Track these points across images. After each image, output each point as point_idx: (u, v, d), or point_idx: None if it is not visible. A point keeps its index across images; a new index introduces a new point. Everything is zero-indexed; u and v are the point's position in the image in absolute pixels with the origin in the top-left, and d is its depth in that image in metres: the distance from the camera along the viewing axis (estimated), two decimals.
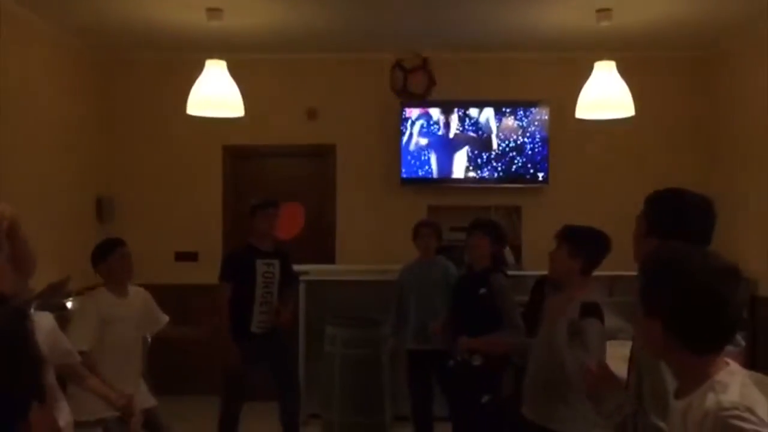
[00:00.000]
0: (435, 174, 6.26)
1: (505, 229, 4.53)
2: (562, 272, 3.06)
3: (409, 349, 4.80)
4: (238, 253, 4.72)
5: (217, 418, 4.62)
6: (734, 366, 1.51)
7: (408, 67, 4.89)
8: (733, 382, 1.45)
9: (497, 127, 6.25)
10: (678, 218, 2.04)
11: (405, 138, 6.22)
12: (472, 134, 6.26)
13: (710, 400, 1.42)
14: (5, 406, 1.01)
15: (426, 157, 6.25)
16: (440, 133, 6.26)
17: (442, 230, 4.98)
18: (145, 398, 3.74)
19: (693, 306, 1.47)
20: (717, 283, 1.46)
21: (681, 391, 1.54)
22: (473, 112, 6.26)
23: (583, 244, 3.01)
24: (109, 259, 3.72)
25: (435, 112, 6.26)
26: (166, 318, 3.93)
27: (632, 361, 2.12)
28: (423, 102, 6.22)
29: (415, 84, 4.92)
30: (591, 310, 2.87)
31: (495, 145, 6.25)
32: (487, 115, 6.26)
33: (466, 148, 6.26)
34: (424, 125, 6.25)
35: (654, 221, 2.11)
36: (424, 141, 6.25)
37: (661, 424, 1.90)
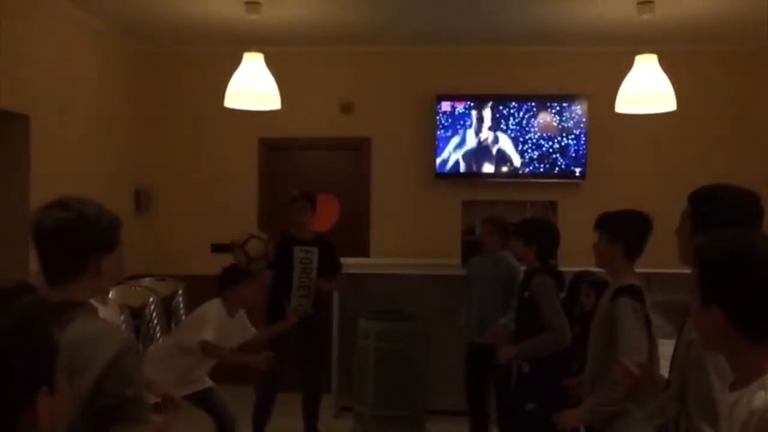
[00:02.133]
0: (470, 169, 6.22)
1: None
2: (604, 261, 2.94)
3: (468, 342, 4.81)
4: (277, 242, 4.92)
5: (253, 406, 4.78)
6: None
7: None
8: None
9: (534, 121, 6.19)
10: (725, 215, 1.97)
11: (440, 132, 6.20)
12: (508, 128, 6.21)
13: (759, 398, 1.37)
14: (11, 389, 1.01)
15: (462, 152, 6.21)
16: (476, 127, 6.22)
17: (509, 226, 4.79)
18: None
19: (757, 292, 1.42)
20: None
21: (735, 383, 1.49)
22: (510, 106, 6.21)
23: (619, 227, 2.90)
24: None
25: (471, 107, 6.22)
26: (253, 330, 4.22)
27: (674, 360, 2.06)
28: (458, 97, 6.19)
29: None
30: (622, 292, 2.76)
31: (531, 140, 6.19)
32: (524, 109, 6.20)
33: (501, 143, 6.21)
34: (460, 120, 6.22)
35: (700, 218, 2.05)
36: (459, 135, 6.22)
37: (705, 428, 1.85)
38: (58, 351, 1.10)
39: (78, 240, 1.69)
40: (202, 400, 4.01)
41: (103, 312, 2.26)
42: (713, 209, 2.04)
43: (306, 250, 4.83)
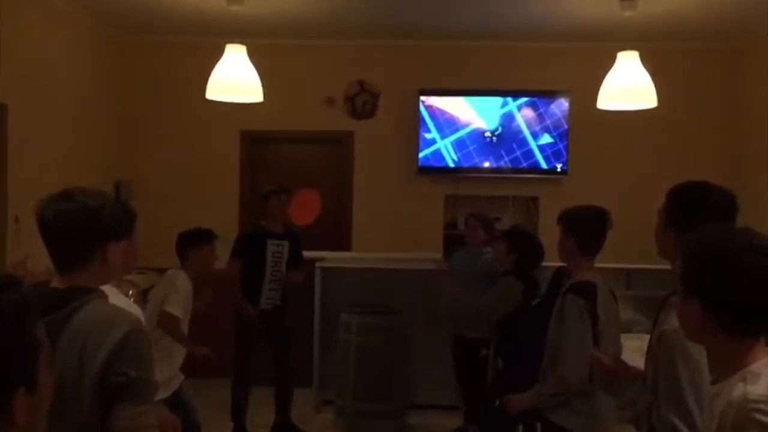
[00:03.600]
0: (452, 163, 6.23)
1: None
2: (562, 256, 3.00)
3: (455, 335, 4.87)
4: (249, 234, 5.01)
5: (230, 399, 4.83)
6: None
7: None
8: (766, 374, 1.40)
9: (516, 116, 6.21)
10: (699, 212, 1.99)
11: (423, 126, 6.21)
12: (490, 124, 6.22)
13: (738, 389, 1.39)
14: None
15: (444, 147, 6.22)
16: (458, 122, 6.22)
17: (492, 222, 5.02)
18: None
19: (735, 286, 1.43)
20: (762, 262, 1.42)
21: (716, 378, 1.51)
22: (492, 101, 6.22)
23: (573, 222, 2.93)
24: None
25: (454, 102, 6.23)
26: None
27: (648, 353, 2.09)
28: (441, 92, 6.20)
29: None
30: (572, 288, 2.82)
31: (513, 135, 6.21)
32: (507, 104, 6.22)
33: (483, 137, 6.22)
34: (443, 114, 6.22)
35: (674, 214, 2.08)
36: (442, 130, 6.22)
37: (674, 419, 1.88)
38: (39, 348, 1.08)
39: (80, 230, 1.73)
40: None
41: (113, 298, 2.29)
42: (682, 206, 2.06)
43: (278, 244, 4.88)
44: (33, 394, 1.05)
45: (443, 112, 6.22)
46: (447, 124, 6.22)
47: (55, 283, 1.75)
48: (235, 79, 4.84)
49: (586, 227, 2.92)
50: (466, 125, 6.22)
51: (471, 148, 6.21)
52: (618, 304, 2.98)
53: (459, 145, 6.22)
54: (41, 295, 1.71)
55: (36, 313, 1.10)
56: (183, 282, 3.81)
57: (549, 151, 6.19)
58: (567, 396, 2.79)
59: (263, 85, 4.96)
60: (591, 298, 2.79)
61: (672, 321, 1.94)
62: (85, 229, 1.73)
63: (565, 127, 6.16)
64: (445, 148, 6.22)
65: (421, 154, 6.21)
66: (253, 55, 4.92)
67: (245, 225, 6.00)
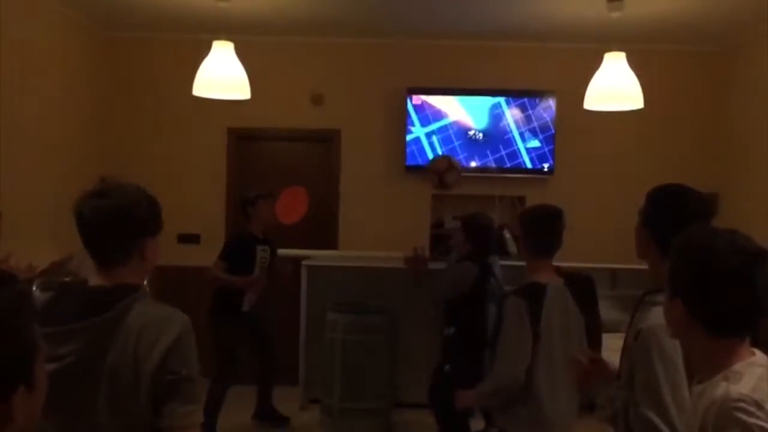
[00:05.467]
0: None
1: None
2: (521, 256, 3.06)
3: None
4: (240, 239, 5.05)
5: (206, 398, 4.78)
6: (760, 357, 1.47)
7: (441, 169, 5.43)
8: (749, 373, 1.42)
9: (503, 116, 6.22)
10: (674, 215, 2.03)
11: (410, 125, 6.21)
12: (477, 123, 6.23)
13: (721, 389, 1.40)
14: None
15: (431, 146, 6.23)
16: (446, 121, 6.23)
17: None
18: None
19: (715, 286, 1.44)
20: (742, 264, 1.43)
21: (700, 377, 1.52)
22: (479, 101, 6.23)
23: (523, 223, 2.99)
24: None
25: (441, 100, 6.24)
26: None
27: (624, 351, 2.11)
28: (428, 90, 6.20)
29: (450, 179, 5.45)
30: (517, 290, 2.88)
31: (500, 135, 6.22)
32: (493, 104, 6.23)
33: (470, 137, 6.23)
34: (430, 113, 6.23)
35: (650, 216, 2.11)
36: (429, 129, 6.23)
37: (652, 416, 1.90)
38: (36, 345, 1.07)
39: (118, 227, 1.74)
40: None
41: None
42: (658, 209, 2.09)
43: (263, 249, 5.00)
44: (31, 393, 1.05)
45: (431, 111, 6.22)
46: (434, 122, 6.22)
47: (96, 279, 1.75)
48: (222, 76, 4.81)
49: (536, 228, 2.94)
50: (453, 124, 6.23)
51: (457, 146, 6.22)
52: (575, 305, 2.94)
53: (445, 143, 6.22)
54: (89, 293, 1.73)
55: (32, 309, 1.10)
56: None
57: (536, 151, 6.21)
58: (506, 398, 2.80)
59: (250, 83, 4.95)
60: (534, 300, 2.79)
61: (648, 319, 1.96)
62: (123, 225, 1.74)
63: (552, 126, 6.18)
64: (432, 148, 6.22)
65: (408, 153, 6.21)
66: (240, 52, 4.90)
67: (233, 230, 5.93)
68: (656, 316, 1.83)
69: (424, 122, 6.22)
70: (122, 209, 1.74)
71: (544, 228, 2.92)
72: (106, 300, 1.66)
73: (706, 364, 1.50)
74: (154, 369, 1.61)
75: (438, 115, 6.23)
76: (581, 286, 3.21)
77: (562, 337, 2.83)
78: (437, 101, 6.23)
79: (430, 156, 6.20)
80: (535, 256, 2.92)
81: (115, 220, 1.73)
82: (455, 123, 6.23)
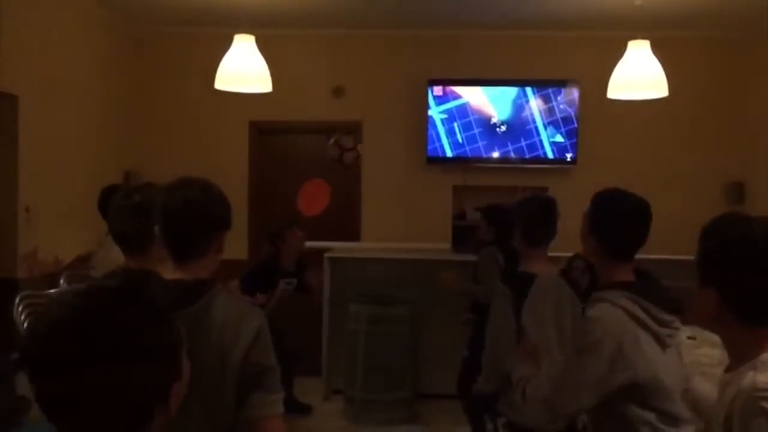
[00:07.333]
0: (461, 154, 6.21)
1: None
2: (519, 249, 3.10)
3: None
4: (265, 270, 4.96)
5: None
6: None
7: (346, 146, 5.80)
8: None
9: (526, 106, 6.18)
10: (613, 220, 2.15)
11: (431, 116, 6.19)
12: (500, 113, 6.20)
13: (748, 378, 1.39)
14: (145, 395, 1.02)
15: (453, 137, 6.21)
16: (468, 112, 6.20)
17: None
18: None
19: (751, 277, 1.43)
20: None
21: (729, 366, 1.51)
22: (502, 91, 6.19)
23: (517, 212, 3.03)
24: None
25: (463, 91, 6.21)
26: None
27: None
28: (451, 81, 6.17)
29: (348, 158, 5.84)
30: (506, 279, 2.95)
31: (523, 125, 6.18)
32: (516, 94, 6.19)
33: (493, 128, 6.20)
34: (452, 104, 6.20)
35: (592, 220, 2.20)
36: (451, 120, 6.21)
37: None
38: (181, 338, 1.10)
39: (205, 217, 1.76)
40: None
41: None
42: (603, 214, 2.20)
43: (288, 282, 4.84)
44: (179, 382, 1.09)
45: (452, 102, 6.19)
46: (456, 114, 6.20)
47: (171, 273, 1.76)
48: (243, 69, 4.83)
49: (526, 217, 2.95)
50: (475, 115, 6.20)
51: (480, 138, 6.19)
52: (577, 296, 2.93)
53: (468, 135, 6.20)
54: (172, 288, 1.74)
55: (170, 304, 1.14)
56: None
57: (559, 141, 6.16)
58: (496, 384, 2.82)
59: (272, 76, 4.96)
60: (518, 289, 2.79)
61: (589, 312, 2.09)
62: (208, 215, 1.76)
63: (576, 116, 6.13)
64: (453, 139, 6.19)
65: (429, 145, 6.20)
66: (261, 46, 4.92)
67: (258, 220, 5.97)
68: (607, 312, 2.01)
69: (444, 114, 6.20)
70: (209, 198, 1.76)
71: (536, 217, 2.93)
72: (194, 293, 1.69)
73: (736, 353, 1.49)
74: (240, 361, 1.65)
75: (460, 106, 6.20)
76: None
77: (553, 327, 2.80)
78: (459, 92, 6.20)
79: (452, 151, 6.18)
80: (528, 244, 2.93)
81: (203, 210, 1.75)
82: (476, 113, 6.20)
